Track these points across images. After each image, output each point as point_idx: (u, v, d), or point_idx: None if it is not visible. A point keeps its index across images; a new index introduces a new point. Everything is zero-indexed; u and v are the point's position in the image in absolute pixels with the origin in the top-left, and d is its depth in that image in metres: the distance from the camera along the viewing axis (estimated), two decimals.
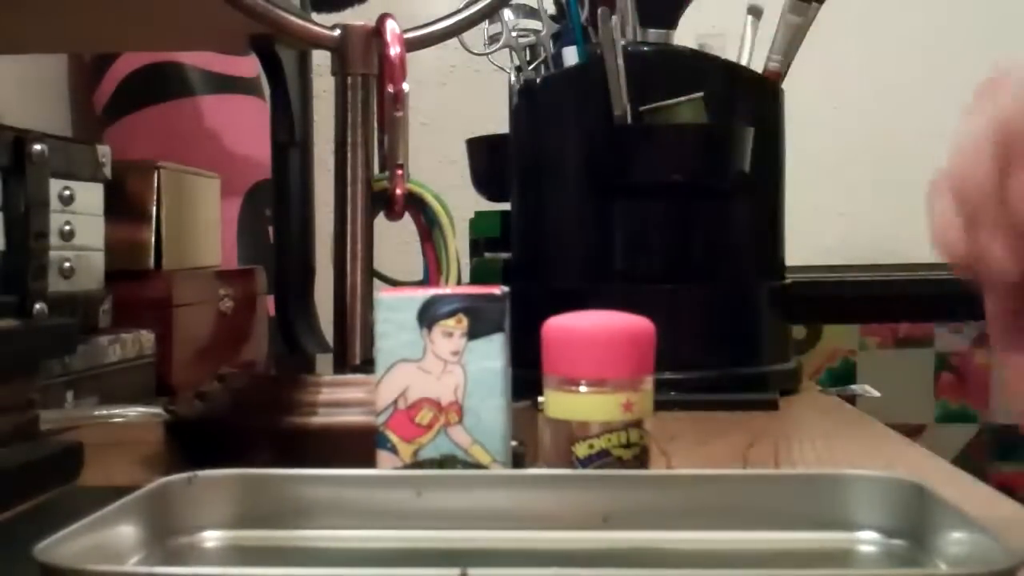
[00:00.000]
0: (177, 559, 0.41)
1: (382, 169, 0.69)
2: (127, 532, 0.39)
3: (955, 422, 1.75)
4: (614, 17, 0.92)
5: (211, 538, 0.43)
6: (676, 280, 0.93)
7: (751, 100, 0.99)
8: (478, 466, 0.48)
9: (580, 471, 0.47)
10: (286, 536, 0.43)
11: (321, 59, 0.75)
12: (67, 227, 0.86)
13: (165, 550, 0.41)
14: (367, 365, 0.63)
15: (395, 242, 0.86)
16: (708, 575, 0.34)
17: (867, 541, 0.42)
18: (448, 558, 0.34)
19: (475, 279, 1.06)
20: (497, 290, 0.48)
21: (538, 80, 0.99)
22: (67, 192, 0.86)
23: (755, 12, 1.04)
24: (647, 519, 0.43)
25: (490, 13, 0.77)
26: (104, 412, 0.76)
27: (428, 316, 0.47)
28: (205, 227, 1.19)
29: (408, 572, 0.35)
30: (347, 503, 0.43)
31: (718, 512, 0.43)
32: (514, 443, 0.50)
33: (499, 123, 1.05)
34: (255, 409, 0.62)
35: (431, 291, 0.48)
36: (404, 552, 0.42)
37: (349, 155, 0.69)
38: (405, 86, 0.68)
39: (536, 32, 1.01)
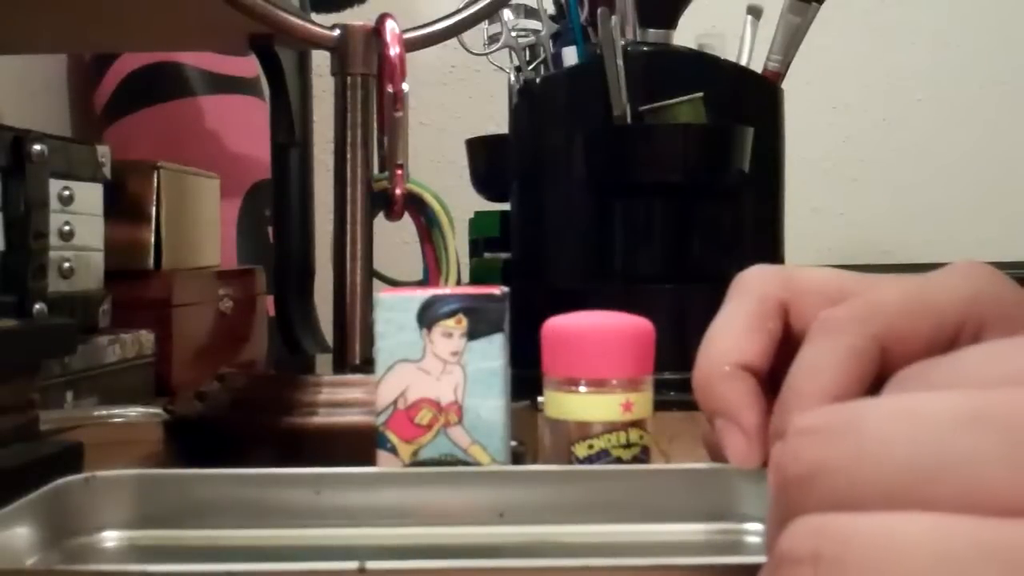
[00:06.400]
0: (75, 559, 0.41)
1: (382, 169, 0.69)
2: (23, 533, 0.39)
3: None
4: (614, 17, 0.92)
5: (110, 538, 0.43)
6: (676, 280, 0.93)
7: (751, 100, 0.99)
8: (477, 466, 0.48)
9: (475, 468, 0.47)
10: (185, 535, 0.43)
11: (321, 59, 0.75)
12: (67, 227, 0.86)
13: (63, 551, 0.41)
14: (367, 365, 0.63)
15: (395, 242, 0.86)
16: (602, 564, 0.35)
17: (754, 532, 0.43)
18: (347, 553, 0.35)
19: (475, 279, 1.06)
20: (497, 290, 0.48)
21: (538, 80, 0.99)
22: (67, 192, 0.86)
23: (755, 12, 1.04)
24: (543, 514, 0.43)
25: (490, 13, 0.77)
26: (104, 412, 0.76)
27: (428, 316, 0.47)
28: (205, 227, 1.19)
29: (306, 566, 0.35)
30: (247, 502, 0.43)
31: (612, 506, 0.44)
32: (514, 443, 0.50)
33: (499, 123, 1.05)
34: (255, 409, 0.62)
35: (431, 291, 0.48)
36: (303, 548, 0.42)
37: (349, 155, 0.69)
38: (405, 86, 0.68)
39: (536, 32, 1.01)
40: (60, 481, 0.42)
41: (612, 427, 0.47)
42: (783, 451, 0.26)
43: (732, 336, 0.41)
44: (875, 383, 0.36)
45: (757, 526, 0.43)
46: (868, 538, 0.24)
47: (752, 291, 0.42)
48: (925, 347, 0.36)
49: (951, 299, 0.37)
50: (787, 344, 0.41)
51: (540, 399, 0.50)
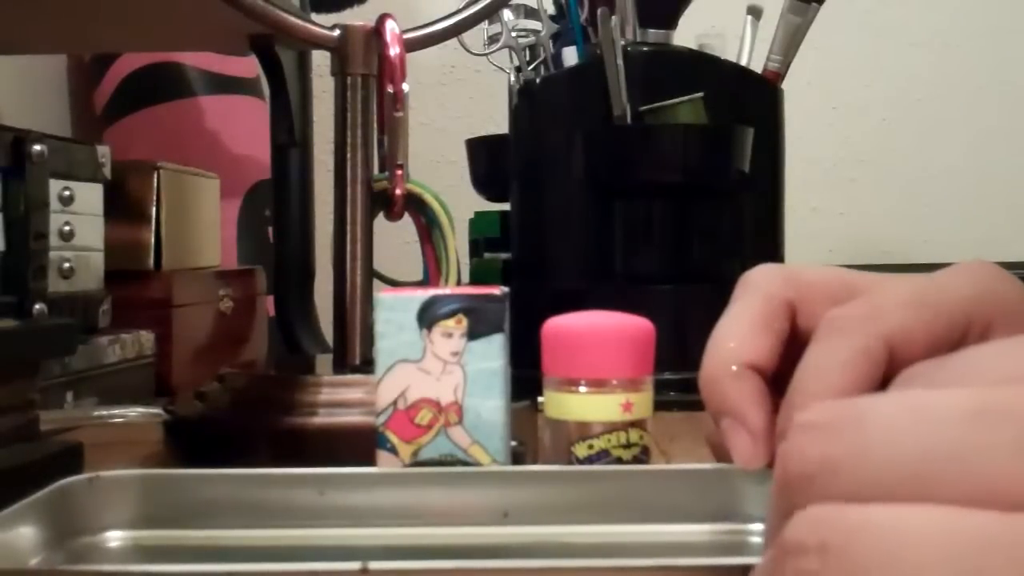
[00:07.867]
0: (79, 559, 0.41)
1: (382, 169, 0.69)
2: (27, 533, 0.39)
3: None
4: (614, 17, 0.92)
5: (114, 538, 0.43)
6: (676, 280, 0.93)
7: (751, 100, 0.99)
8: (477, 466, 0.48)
9: (478, 468, 0.47)
10: (189, 535, 0.43)
11: (321, 59, 0.75)
12: (67, 227, 0.86)
13: (66, 551, 0.41)
14: (367, 365, 0.63)
15: (395, 242, 0.86)
16: (604, 564, 0.35)
17: (757, 533, 0.43)
18: (349, 554, 0.35)
19: (475, 279, 1.06)
20: (497, 290, 0.48)
21: (538, 80, 0.99)
22: (67, 192, 0.86)
23: (755, 12, 1.04)
24: (547, 514, 0.43)
25: (490, 13, 0.77)
26: (104, 412, 0.76)
27: (428, 316, 0.47)
28: (205, 227, 1.19)
29: (309, 567, 0.35)
30: (250, 503, 0.43)
31: (616, 506, 0.43)
32: (514, 443, 0.50)
33: (499, 123, 1.05)
34: (255, 409, 0.62)
35: (431, 291, 0.48)
36: (306, 548, 0.42)
37: (349, 155, 0.69)
38: (405, 86, 0.68)
39: (536, 32, 1.01)
40: (64, 481, 0.42)
41: (612, 427, 0.47)
42: (787, 446, 0.26)
43: (739, 335, 0.41)
44: (881, 383, 0.36)
45: (761, 527, 0.43)
46: (876, 529, 0.24)
47: (758, 290, 0.42)
48: (932, 346, 0.36)
49: (958, 298, 0.37)
50: (794, 344, 0.41)
51: (540, 399, 0.49)
